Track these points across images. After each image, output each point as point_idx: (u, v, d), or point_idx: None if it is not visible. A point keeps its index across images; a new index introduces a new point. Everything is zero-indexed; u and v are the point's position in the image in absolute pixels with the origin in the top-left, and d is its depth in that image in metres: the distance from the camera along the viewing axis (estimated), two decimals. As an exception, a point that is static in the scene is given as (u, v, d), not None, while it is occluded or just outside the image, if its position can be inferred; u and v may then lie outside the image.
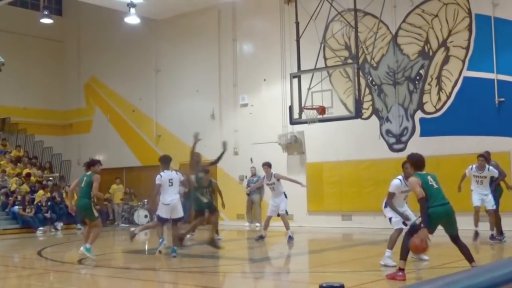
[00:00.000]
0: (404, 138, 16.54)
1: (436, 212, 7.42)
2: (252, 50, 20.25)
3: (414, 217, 8.55)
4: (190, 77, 21.33)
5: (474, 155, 13.38)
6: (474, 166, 11.94)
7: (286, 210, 12.93)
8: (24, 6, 24.70)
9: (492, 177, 11.96)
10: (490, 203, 11.87)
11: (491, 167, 11.94)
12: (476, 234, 11.71)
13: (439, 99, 16.05)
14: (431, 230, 7.62)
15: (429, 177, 7.64)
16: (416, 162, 7.87)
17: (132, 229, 12.33)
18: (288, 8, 18.32)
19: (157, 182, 10.91)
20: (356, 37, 14.76)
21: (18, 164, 22.09)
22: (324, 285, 2.47)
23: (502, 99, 15.00)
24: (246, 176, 19.11)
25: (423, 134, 16.25)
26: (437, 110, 16.08)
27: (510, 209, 14.45)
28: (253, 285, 8.84)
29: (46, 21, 21.98)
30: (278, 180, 12.78)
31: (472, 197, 11.99)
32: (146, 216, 20.66)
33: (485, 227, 12.03)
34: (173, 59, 21.82)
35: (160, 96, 22.34)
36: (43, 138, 24.39)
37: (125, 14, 19.84)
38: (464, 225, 12.47)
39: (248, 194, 18.46)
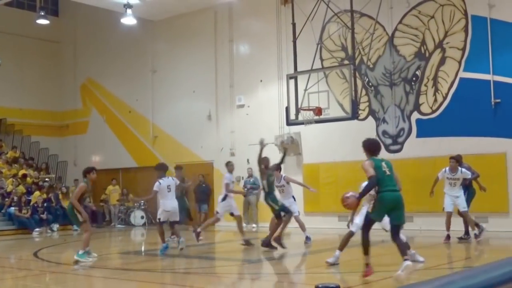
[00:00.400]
0: (400, 139, 16.55)
1: (384, 196, 7.42)
2: (249, 51, 20.25)
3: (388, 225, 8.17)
4: (186, 78, 21.32)
5: (471, 156, 13.43)
6: (447, 168, 12.21)
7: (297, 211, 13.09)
8: (20, 6, 24.64)
9: (464, 179, 12.21)
10: (461, 205, 12.17)
11: (463, 169, 12.20)
12: (448, 237, 12.18)
13: (435, 100, 16.07)
14: (378, 218, 7.66)
15: (383, 163, 7.60)
16: (370, 147, 7.85)
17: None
18: (284, 9, 18.31)
19: (155, 188, 11.51)
20: (353, 38, 14.75)
21: (14, 165, 22.04)
22: (320, 286, 2.48)
23: (498, 100, 15.02)
24: (242, 177, 19.09)
25: (419, 135, 16.27)
26: (433, 111, 16.09)
27: (500, 210, 14.53)
28: (250, 286, 8.84)
29: (43, 21, 21.92)
30: (287, 182, 12.84)
31: (445, 201, 12.32)
32: (142, 217, 20.67)
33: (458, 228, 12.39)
34: (169, 60, 21.80)
35: (157, 97, 22.31)
36: (39, 139, 24.36)
37: (122, 15, 19.78)
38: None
39: (245, 195, 18.42)
